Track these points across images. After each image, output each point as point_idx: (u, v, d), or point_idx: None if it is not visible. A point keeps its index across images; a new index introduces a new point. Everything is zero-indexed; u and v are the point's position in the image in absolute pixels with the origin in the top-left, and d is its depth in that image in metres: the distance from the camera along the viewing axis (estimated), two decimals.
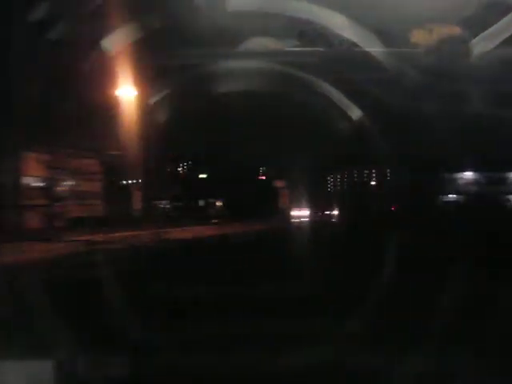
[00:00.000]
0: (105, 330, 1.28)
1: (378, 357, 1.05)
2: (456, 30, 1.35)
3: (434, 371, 1.04)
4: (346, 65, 1.25)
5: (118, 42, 1.11)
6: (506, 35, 1.31)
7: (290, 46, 1.35)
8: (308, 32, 1.37)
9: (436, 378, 1.03)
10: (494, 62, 1.26)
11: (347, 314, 1.22)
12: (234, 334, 1.06)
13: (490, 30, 1.33)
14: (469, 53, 1.24)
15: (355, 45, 1.18)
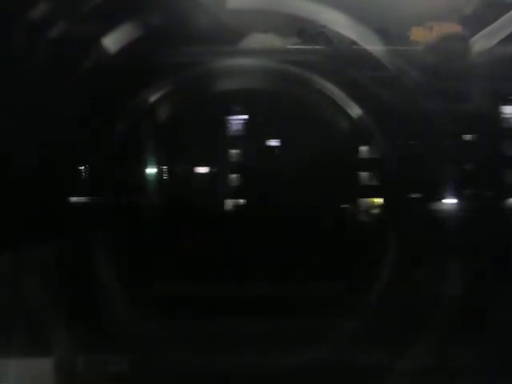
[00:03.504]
0: None
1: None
2: (456, 28, 1.35)
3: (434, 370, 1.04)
4: (345, 62, 1.25)
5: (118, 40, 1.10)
6: (507, 33, 1.32)
7: (290, 43, 1.36)
8: (308, 30, 1.38)
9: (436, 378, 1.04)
10: (494, 59, 1.26)
11: None
12: (235, 332, 1.07)
13: (490, 27, 1.33)
14: (469, 50, 1.24)
15: (355, 43, 1.19)
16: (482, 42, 1.13)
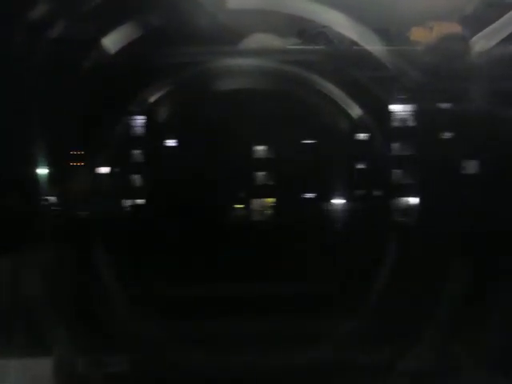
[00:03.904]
0: None
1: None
2: (456, 28, 1.35)
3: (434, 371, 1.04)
4: (346, 63, 1.24)
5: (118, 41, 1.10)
6: (507, 33, 1.31)
7: (290, 44, 1.35)
8: (308, 30, 1.37)
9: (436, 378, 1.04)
10: (494, 59, 1.26)
11: None
12: (235, 333, 1.07)
13: (490, 27, 1.33)
14: (469, 50, 1.24)
15: (355, 43, 1.18)
16: (482, 43, 1.13)
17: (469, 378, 1.04)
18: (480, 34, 1.16)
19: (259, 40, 1.20)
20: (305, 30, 1.25)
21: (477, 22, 1.18)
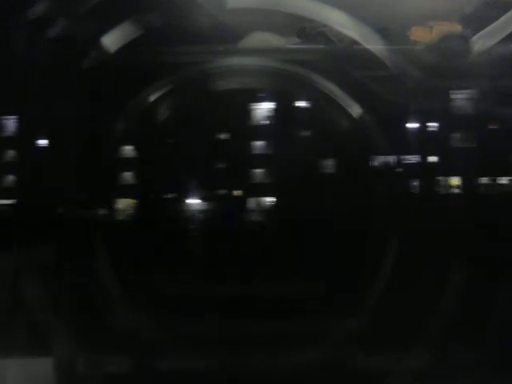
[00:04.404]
0: None
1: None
2: (456, 27, 1.36)
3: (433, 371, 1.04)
4: (346, 62, 1.25)
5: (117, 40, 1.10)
6: (507, 32, 1.32)
7: (290, 43, 1.36)
8: (308, 29, 1.38)
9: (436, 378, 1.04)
10: (494, 59, 1.26)
11: None
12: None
13: (490, 27, 1.33)
14: (469, 50, 1.24)
15: (355, 42, 1.19)
16: (482, 42, 1.13)
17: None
18: (480, 33, 1.16)
19: (259, 39, 1.20)
20: (305, 29, 1.25)
21: (477, 22, 1.19)
